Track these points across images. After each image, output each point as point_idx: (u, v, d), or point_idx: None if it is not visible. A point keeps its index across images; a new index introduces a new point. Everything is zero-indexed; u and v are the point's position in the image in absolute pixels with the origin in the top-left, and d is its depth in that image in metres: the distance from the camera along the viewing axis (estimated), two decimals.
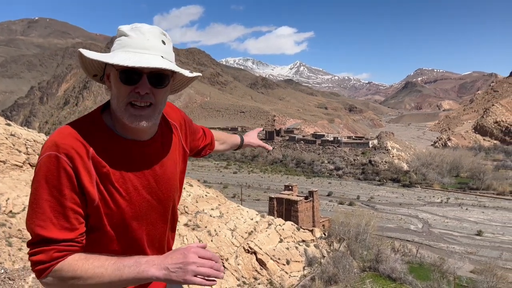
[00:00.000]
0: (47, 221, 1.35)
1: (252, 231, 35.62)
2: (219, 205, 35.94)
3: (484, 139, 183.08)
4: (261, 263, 33.32)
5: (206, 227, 31.71)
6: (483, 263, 44.36)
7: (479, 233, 64.79)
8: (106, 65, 1.45)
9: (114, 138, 1.48)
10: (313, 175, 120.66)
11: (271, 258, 34.24)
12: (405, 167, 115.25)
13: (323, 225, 56.86)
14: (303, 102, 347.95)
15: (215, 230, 31.84)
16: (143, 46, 1.40)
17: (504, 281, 37.67)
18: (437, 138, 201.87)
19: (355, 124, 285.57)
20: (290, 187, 65.53)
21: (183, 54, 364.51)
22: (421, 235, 65.41)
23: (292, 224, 42.62)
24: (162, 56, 1.42)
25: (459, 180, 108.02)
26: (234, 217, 35.63)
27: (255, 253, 33.53)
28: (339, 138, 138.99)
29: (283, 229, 39.23)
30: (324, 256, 39.34)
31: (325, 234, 46.02)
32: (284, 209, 57.94)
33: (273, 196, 61.84)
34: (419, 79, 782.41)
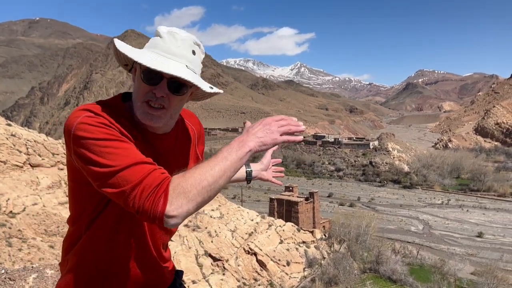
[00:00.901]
0: (135, 155, 1.32)
1: (252, 232, 35.61)
2: (220, 206, 35.94)
3: (485, 141, 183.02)
4: (261, 264, 33.29)
5: (206, 228, 31.70)
6: (484, 265, 44.30)
7: (480, 235, 64.72)
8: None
9: (136, 125, 1.49)
10: (314, 176, 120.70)
11: (271, 259, 34.21)
12: (406, 168, 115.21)
13: (324, 226, 56.84)
14: (303, 103, 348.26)
15: (215, 231, 31.83)
16: (171, 52, 1.43)
17: (505, 283, 37.60)
18: (438, 139, 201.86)
19: (355, 125, 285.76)
20: (291, 188, 65.52)
21: None
22: (422, 236, 65.38)
23: (292, 225, 42.60)
24: (186, 66, 1.44)
25: (460, 182, 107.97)
26: (234, 218, 35.62)
27: (255, 254, 33.51)
28: (339, 139, 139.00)
29: (283, 230, 39.21)
30: (324, 258, 39.31)
31: (325, 235, 46.01)
32: (285, 210, 57.93)
33: (273, 197, 61.83)
34: (420, 80, 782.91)
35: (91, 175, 1.30)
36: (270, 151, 2.28)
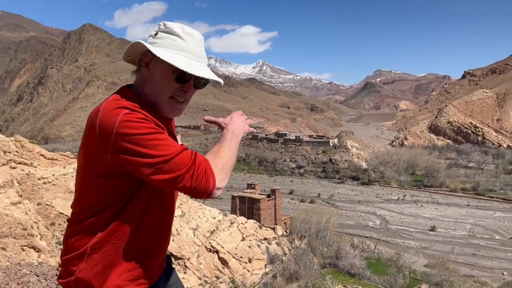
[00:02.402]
0: (175, 143, 1.59)
1: (214, 230, 35.51)
2: (181, 204, 35.57)
3: (438, 139, 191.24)
4: (223, 262, 33.28)
5: None
6: (436, 257, 46.32)
7: (433, 229, 67.57)
8: (147, 53, 1.68)
9: (155, 113, 1.69)
10: (276, 173, 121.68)
11: (233, 257, 34.26)
12: (364, 165, 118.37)
13: (285, 223, 57.50)
14: (266, 101, 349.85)
15: (176, 230, 31.48)
16: (198, 55, 1.69)
17: (456, 274, 39.53)
18: (394, 137, 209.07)
19: (316, 123, 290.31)
20: (253, 186, 65.80)
21: None
22: (379, 231, 67.44)
23: (254, 222, 42.83)
24: (207, 65, 1.76)
25: (415, 178, 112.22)
26: (196, 216, 35.37)
27: (217, 252, 33.45)
28: (301, 137, 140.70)
29: (245, 228, 39.35)
30: (285, 254, 39.80)
31: (286, 232, 46.57)
32: (247, 207, 58.12)
33: (235, 195, 61.87)
34: (377, 80, 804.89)
35: (142, 166, 1.51)
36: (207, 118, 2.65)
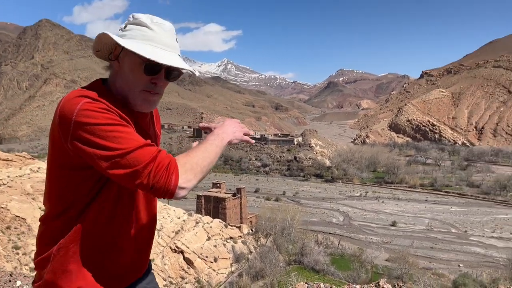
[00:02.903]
0: (138, 137, 1.46)
1: (179, 230, 35.13)
2: None
3: (398, 136, 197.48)
4: (189, 262, 32.98)
5: None
6: (397, 252, 47.90)
7: (394, 224, 69.71)
8: (117, 46, 1.59)
9: (126, 107, 1.60)
10: (241, 172, 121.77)
11: (198, 257, 34.02)
12: (328, 163, 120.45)
13: (251, 221, 57.67)
14: (231, 99, 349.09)
15: None
16: (167, 44, 1.58)
17: (415, 267, 41.02)
18: (356, 135, 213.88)
19: (281, 122, 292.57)
20: (218, 185, 65.60)
21: None
22: (342, 227, 68.83)
23: (220, 222, 42.71)
24: (178, 55, 1.65)
25: (376, 175, 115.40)
26: (160, 217, 34.85)
27: (182, 252, 33.10)
28: (266, 136, 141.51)
29: (210, 227, 39.16)
30: (251, 252, 39.92)
31: (252, 230, 46.71)
32: (212, 206, 57.86)
33: (201, 194, 61.46)
34: (340, 79, 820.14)
35: (99, 158, 1.39)
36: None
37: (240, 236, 42.50)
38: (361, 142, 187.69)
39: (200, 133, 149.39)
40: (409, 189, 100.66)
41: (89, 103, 1.43)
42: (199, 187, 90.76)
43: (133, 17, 1.63)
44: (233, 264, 36.92)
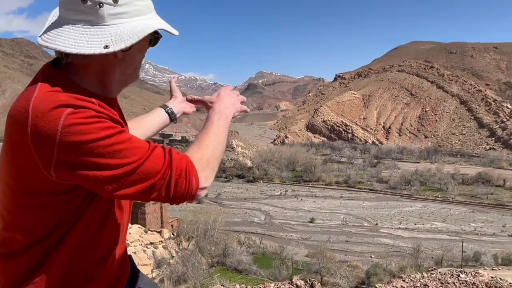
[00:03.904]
0: (138, 141, 1.16)
1: None
2: None
3: (314, 136, 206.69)
4: None
5: None
6: (315, 247, 49.86)
7: (312, 220, 72.61)
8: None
9: (103, 99, 1.22)
10: None
11: None
12: (249, 163, 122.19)
13: (172, 225, 56.41)
14: (149, 100, 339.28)
15: None
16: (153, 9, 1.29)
17: (332, 261, 43.12)
18: (276, 136, 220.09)
19: (202, 124, 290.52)
20: None
21: (7, 45, 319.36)
22: (264, 226, 70.14)
23: (139, 227, 41.32)
24: None
25: (295, 174, 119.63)
26: None
27: None
28: (187, 137, 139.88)
29: (129, 233, 37.68)
30: (173, 256, 39.14)
31: (174, 234, 45.84)
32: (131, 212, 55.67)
33: None
34: (260, 81, 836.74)
35: (102, 182, 1.10)
36: (173, 84, 2.02)
37: (161, 241, 41.50)
38: (281, 142, 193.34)
39: None
40: (326, 186, 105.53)
41: (73, 113, 1.06)
42: None
43: None
44: (154, 270, 35.90)
